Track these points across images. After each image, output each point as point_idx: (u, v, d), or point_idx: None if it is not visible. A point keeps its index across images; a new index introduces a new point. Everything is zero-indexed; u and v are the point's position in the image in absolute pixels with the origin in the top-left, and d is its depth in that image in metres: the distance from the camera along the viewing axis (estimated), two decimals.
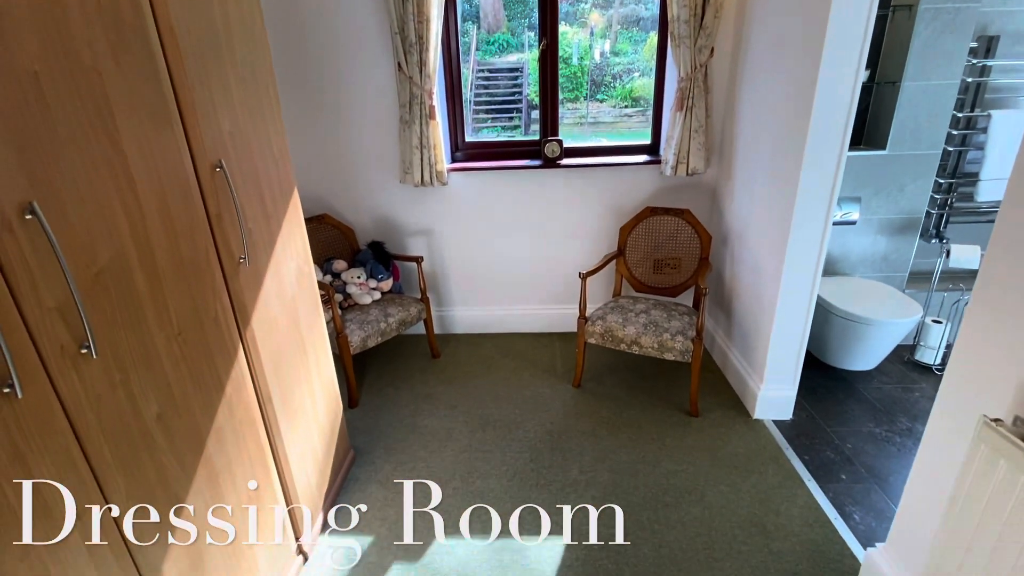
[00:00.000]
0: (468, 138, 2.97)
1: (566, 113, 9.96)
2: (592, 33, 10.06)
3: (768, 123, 2.13)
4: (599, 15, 10.10)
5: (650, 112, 2.95)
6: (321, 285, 2.37)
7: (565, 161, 2.80)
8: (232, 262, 1.31)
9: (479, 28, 10.83)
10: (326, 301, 2.38)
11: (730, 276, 2.58)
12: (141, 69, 1.02)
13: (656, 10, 2.69)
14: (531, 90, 9.98)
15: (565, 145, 2.80)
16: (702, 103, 2.51)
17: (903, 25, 2.37)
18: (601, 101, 10.11)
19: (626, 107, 9.82)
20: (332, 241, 2.82)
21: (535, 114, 10.07)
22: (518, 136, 9.76)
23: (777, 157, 2.06)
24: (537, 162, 2.84)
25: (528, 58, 10.18)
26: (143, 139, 1.02)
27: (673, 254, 2.63)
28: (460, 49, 2.83)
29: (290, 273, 1.63)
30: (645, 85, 9.71)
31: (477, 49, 10.55)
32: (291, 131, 2.76)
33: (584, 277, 2.40)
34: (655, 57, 2.83)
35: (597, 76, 10.11)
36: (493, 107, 10.30)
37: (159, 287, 1.06)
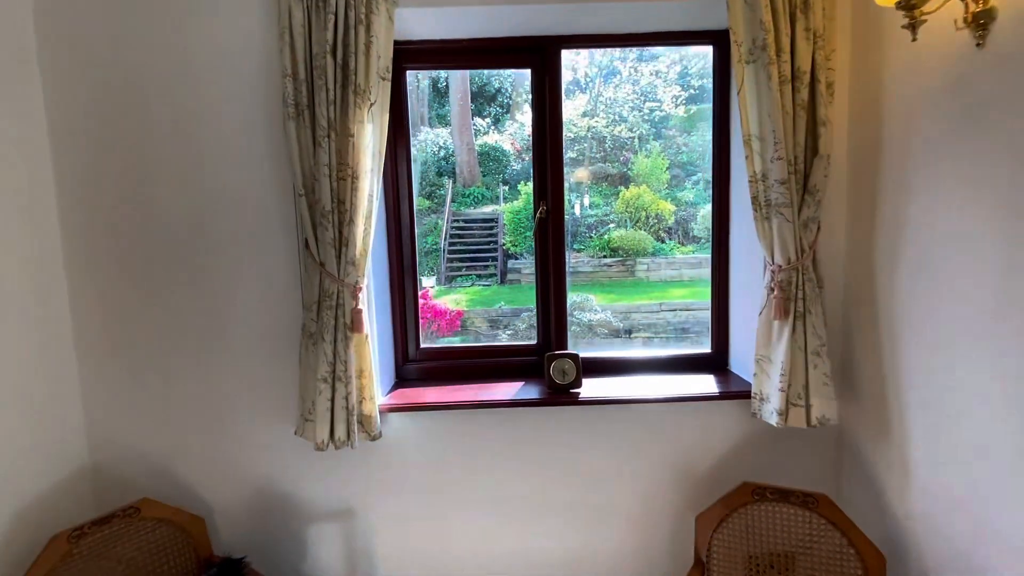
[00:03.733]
0: (427, 338, 1.83)
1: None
2: (569, 188, 9.99)
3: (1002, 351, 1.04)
4: (583, 171, 10.13)
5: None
6: None
7: (585, 392, 1.63)
8: None
9: (455, 182, 10.74)
10: None
11: None
12: None
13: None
14: (506, 240, 9.52)
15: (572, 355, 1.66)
16: (818, 307, 1.45)
17: None
18: (579, 251, 9.64)
19: (604, 257, 9.34)
20: (153, 554, 1.44)
21: (512, 263, 9.40)
22: (494, 285, 8.99)
23: None
24: (534, 393, 1.65)
25: (502, 210, 9.91)
26: None
27: None
28: (415, 213, 1.81)
29: None
30: (622, 236, 9.36)
31: (453, 201, 10.33)
32: (98, 353, 1.55)
33: None
34: (709, 225, 1.87)
35: (571, 227, 9.81)
36: (468, 256, 9.73)
37: None
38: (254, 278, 1.54)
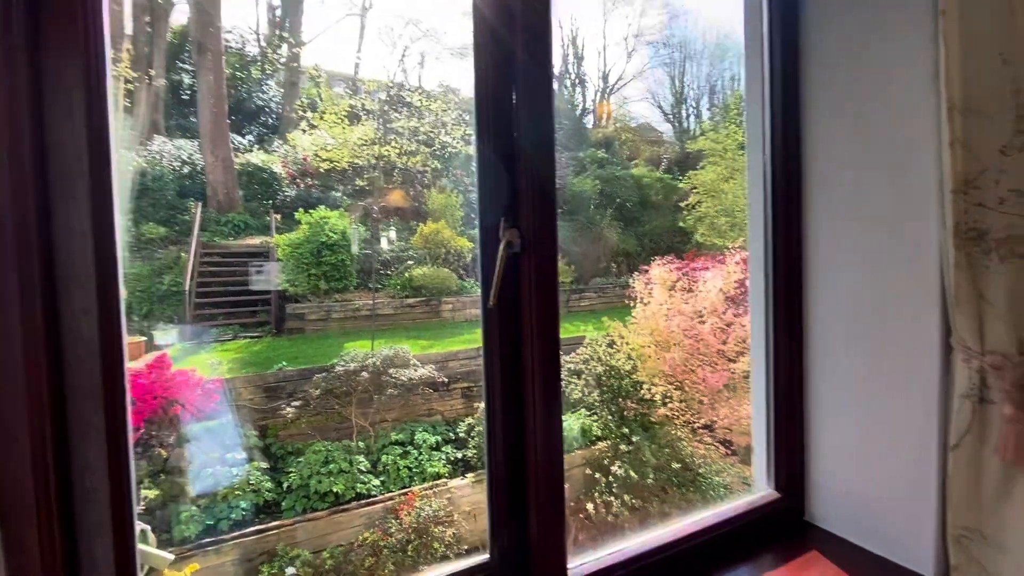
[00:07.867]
0: None
1: (334, 306, 7.73)
2: (363, 222, 8.64)
3: None
4: (393, 196, 8.87)
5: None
6: None
7: None
8: None
9: (205, 206, 8.17)
10: None
11: None
12: None
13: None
14: (282, 279, 7.54)
15: None
16: None
17: None
18: (377, 291, 8.30)
19: (407, 297, 8.22)
20: None
21: (292, 307, 7.26)
22: (267, 337, 6.88)
23: None
24: None
25: (274, 242, 7.87)
26: None
27: None
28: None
29: None
30: (424, 274, 8.44)
31: (203, 229, 7.80)
32: None
33: None
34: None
35: (365, 264, 8.43)
36: (227, 300, 7.37)
37: None
38: None
